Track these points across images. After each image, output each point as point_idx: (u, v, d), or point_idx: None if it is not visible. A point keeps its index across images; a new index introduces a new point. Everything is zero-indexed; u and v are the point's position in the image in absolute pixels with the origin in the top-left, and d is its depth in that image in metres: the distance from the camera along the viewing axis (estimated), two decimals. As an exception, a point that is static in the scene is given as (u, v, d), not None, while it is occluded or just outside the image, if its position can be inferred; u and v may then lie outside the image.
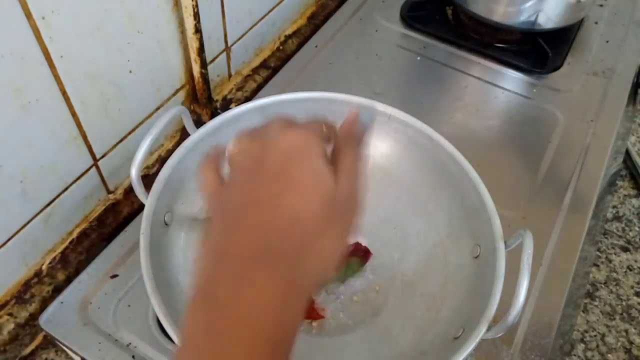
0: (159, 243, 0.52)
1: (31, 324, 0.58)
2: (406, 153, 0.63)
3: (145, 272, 0.47)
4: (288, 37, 0.89)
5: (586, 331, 0.70)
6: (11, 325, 0.56)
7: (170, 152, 0.62)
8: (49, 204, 0.57)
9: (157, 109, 0.67)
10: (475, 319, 0.47)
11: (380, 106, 0.61)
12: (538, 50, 0.87)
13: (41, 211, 0.57)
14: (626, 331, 0.72)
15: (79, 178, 0.60)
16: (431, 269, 0.58)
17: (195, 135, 0.57)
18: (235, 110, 0.59)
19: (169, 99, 0.69)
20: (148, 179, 0.67)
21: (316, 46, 0.88)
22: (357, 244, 0.61)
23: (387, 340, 0.55)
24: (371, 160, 0.64)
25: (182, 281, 0.54)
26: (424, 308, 0.56)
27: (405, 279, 0.59)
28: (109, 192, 0.66)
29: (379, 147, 0.64)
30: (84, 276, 0.59)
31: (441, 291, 0.56)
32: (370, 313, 0.57)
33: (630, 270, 0.81)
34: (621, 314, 0.74)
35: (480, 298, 0.49)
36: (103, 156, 0.62)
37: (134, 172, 0.52)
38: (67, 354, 0.57)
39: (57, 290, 0.59)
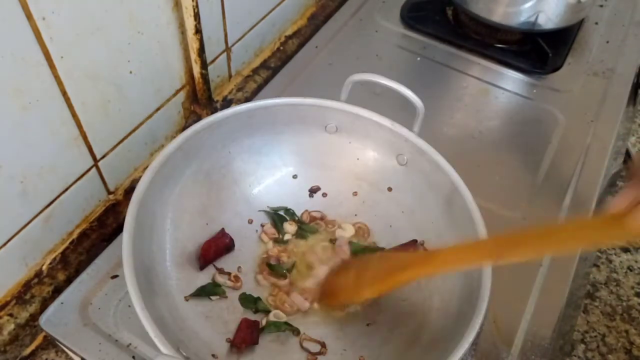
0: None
1: (31, 324, 0.58)
2: (393, 159, 0.64)
3: (126, 266, 0.47)
4: (288, 37, 0.89)
5: (586, 332, 0.70)
6: (11, 326, 0.56)
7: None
8: (49, 205, 0.57)
9: (158, 109, 0.67)
10: (468, 315, 0.48)
11: (365, 113, 0.62)
12: (538, 51, 0.87)
13: (41, 212, 0.57)
14: (626, 332, 0.72)
15: (79, 178, 0.60)
16: None
17: (189, 130, 0.58)
18: (230, 111, 0.60)
19: (169, 99, 0.69)
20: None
21: (316, 47, 0.88)
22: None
23: (376, 344, 0.55)
24: (372, 162, 0.65)
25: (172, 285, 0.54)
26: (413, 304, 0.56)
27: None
28: (109, 192, 0.66)
29: (372, 155, 0.65)
30: (84, 276, 0.59)
31: (430, 290, 0.57)
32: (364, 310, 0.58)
33: (631, 270, 0.81)
34: (621, 314, 0.74)
35: (469, 293, 0.50)
36: (103, 157, 0.62)
37: None
38: (67, 355, 0.57)
39: (58, 290, 0.59)
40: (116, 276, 0.59)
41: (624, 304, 0.75)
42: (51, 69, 0.50)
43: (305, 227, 0.64)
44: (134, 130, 0.65)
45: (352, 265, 0.59)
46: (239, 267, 0.60)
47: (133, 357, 0.54)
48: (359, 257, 0.61)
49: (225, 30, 0.74)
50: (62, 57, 0.51)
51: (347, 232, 0.63)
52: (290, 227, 0.63)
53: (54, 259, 0.60)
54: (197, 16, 0.62)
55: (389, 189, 0.64)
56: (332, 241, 0.63)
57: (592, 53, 0.91)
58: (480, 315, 0.47)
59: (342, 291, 0.56)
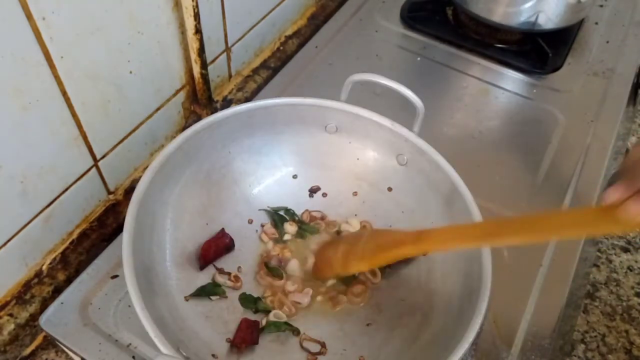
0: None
1: (31, 324, 0.58)
2: (393, 159, 0.64)
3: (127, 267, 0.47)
4: (288, 37, 0.89)
5: (586, 332, 0.70)
6: (11, 326, 0.56)
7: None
8: (49, 205, 0.57)
9: (158, 109, 0.67)
10: (468, 315, 0.48)
11: (365, 113, 0.62)
12: (538, 51, 0.87)
13: (41, 212, 0.57)
14: (627, 332, 0.72)
15: (79, 178, 0.60)
16: (418, 261, 0.59)
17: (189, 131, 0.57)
18: (230, 111, 0.60)
19: (169, 99, 0.69)
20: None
21: (316, 47, 0.88)
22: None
23: (376, 344, 0.55)
24: (372, 162, 0.65)
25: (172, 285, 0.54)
26: (413, 303, 0.56)
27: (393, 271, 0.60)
28: (109, 192, 0.66)
29: (372, 155, 0.65)
30: (84, 276, 0.59)
31: (430, 290, 0.57)
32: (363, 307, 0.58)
33: (631, 270, 0.81)
34: (621, 314, 0.74)
35: (469, 293, 0.50)
36: (103, 157, 0.62)
37: None
38: (67, 355, 0.57)
39: (58, 290, 0.59)
40: (116, 276, 0.59)
41: (624, 304, 0.75)
42: (51, 69, 0.50)
43: (306, 227, 0.64)
44: (134, 130, 0.65)
45: (343, 239, 0.60)
46: (239, 267, 0.60)
47: (133, 357, 0.54)
48: (350, 233, 0.62)
49: (225, 30, 0.74)
50: (62, 57, 0.51)
51: (352, 227, 0.64)
52: (290, 227, 0.63)
53: (54, 259, 0.60)
54: (197, 16, 0.62)
55: (389, 189, 0.64)
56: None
57: (592, 53, 0.91)
58: (480, 315, 0.47)
59: (332, 263, 0.57)
